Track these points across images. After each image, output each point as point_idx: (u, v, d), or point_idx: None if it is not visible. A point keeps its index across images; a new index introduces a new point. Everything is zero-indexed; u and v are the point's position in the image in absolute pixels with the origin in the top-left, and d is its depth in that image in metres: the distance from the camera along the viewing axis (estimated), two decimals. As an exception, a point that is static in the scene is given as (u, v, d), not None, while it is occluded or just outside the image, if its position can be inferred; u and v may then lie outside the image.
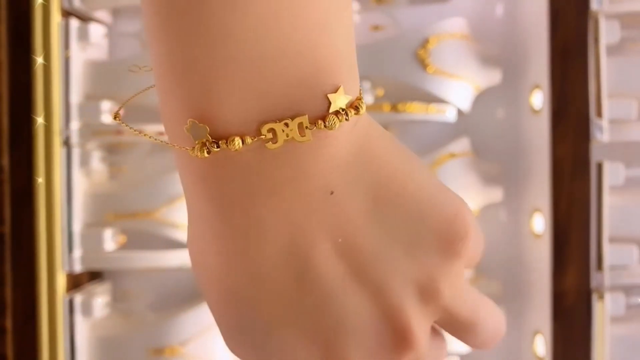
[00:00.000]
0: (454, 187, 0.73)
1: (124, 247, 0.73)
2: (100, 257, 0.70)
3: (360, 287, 0.16)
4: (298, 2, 0.14)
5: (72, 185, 0.68)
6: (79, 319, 0.69)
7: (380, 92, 0.72)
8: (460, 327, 0.19)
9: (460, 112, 0.75)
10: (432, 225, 0.17)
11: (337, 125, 0.15)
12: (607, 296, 0.69)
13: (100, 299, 0.71)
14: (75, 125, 0.68)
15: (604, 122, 0.69)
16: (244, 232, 0.16)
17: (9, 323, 0.67)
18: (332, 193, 0.16)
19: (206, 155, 0.15)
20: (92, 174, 0.74)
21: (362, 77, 0.72)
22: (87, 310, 0.69)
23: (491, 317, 0.19)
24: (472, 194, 0.75)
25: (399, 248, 0.17)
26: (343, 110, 0.15)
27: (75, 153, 0.69)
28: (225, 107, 0.14)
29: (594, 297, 0.69)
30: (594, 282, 0.69)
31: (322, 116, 0.15)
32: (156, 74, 0.15)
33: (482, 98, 0.78)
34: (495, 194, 0.76)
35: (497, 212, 0.81)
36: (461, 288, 0.18)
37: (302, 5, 0.14)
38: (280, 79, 0.14)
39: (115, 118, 0.18)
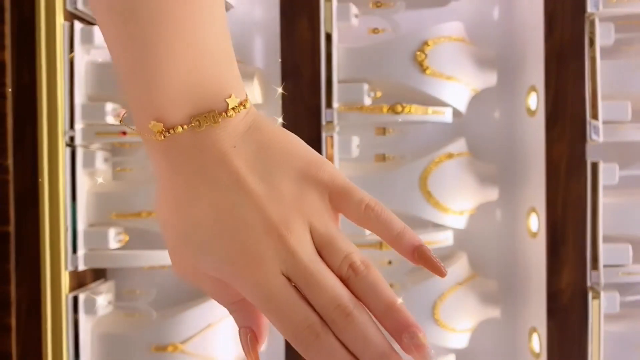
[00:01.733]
0: (451, 186, 0.74)
1: (127, 246, 0.74)
2: (103, 255, 0.71)
3: (247, 199, 0.27)
4: (205, 55, 0.27)
5: (76, 185, 0.69)
6: (82, 316, 0.70)
7: (379, 93, 0.74)
8: (322, 241, 0.28)
9: (457, 113, 0.76)
10: (297, 164, 0.28)
11: (234, 115, 0.28)
12: (602, 295, 0.70)
13: (103, 297, 0.72)
14: (79, 126, 0.69)
15: (599, 124, 0.70)
16: (185, 178, 0.28)
17: (13, 321, 0.68)
18: (235, 147, 0.28)
19: (163, 138, 0.27)
20: (96, 174, 0.75)
21: (361, 79, 0.73)
22: (90, 308, 0.70)
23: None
24: (468, 194, 0.76)
25: (275, 178, 0.28)
26: (236, 106, 0.28)
27: (79, 153, 0.70)
28: (171, 111, 0.27)
29: (590, 295, 0.70)
30: (589, 281, 0.71)
31: (225, 110, 0.28)
32: (127, 98, 0.28)
33: (479, 100, 0.79)
34: (492, 194, 0.77)
35: (494, 212, 0.82)
36: (321, 209, 0.28)
37: (208, 57, 0.27)
38: (200, 94, 0.27)
39: (120, 122, 0.31)
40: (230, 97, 0.28)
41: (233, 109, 0.28)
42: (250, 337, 0.29)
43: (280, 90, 0.71)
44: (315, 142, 0.70)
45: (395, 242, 0.29)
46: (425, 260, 0.28)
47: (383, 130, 0.76)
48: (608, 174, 0.71)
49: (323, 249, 0.27)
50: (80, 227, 0.70)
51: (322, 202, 0.28)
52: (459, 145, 0.76)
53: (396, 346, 0.27)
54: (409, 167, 0.74)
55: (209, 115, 0.27)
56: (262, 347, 0.29)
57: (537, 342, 0.74)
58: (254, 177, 0.28)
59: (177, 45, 0.26)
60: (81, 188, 0.70)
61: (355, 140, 0.74)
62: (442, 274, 0.28)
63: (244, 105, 0.28)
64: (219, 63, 0.27)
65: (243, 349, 0.29)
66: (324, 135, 0.71)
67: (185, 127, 0.27)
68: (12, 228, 0.67)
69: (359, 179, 0.74)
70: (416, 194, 0.73)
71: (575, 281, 0.71)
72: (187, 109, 0.27)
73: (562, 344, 0.71)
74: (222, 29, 0.28)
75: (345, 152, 0.72)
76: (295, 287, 0.27)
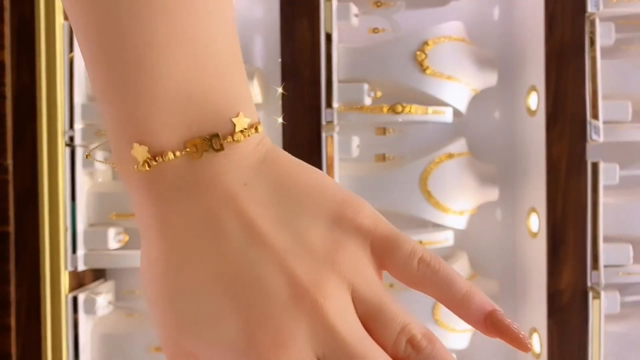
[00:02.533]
0: (452, 186, 0.74)
1: (126, 246, 0.74)
2: (103, 255, 0.71)
3: (266, 255, 0.21)
4: (209, 60, 0.21)
5: (76, 185, 0.69)
6: (82, 316, 0.70)
7: (379, 93, 0.74)
8: (369, 310, 0.21)
9: (457, 113, 0.76)
10: (328, 206, 0.22)
11: (242, 139, 0.21)
12: (603, 295, 0.70)
13: (103, 297, 0.72)
14: (78, 126, 0.69)
15: (600, 123, 0.70)
16: (179, 228, 0.21)
17: (12, 321, 0.67)
18: (246, 184, 0.21)
19: (147, 168, 0.21)
20: (96, 174, 0.75)
21: (361, 79, 0.73)
22: (90, 308, 0.70)
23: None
24: (469, 194, 0.76)
25: (301, 226, 0.21)
26: (246, 129, 0.22)
27: (79, 153, 0.70)
28: (159, 133, 0.21)
29: (590, 295, 0.70)
30: (589, 281, 0.70)
31: (231, 133, 0.21)
32: (103, 114, 0.21)
33: (479, 99, 0.79)
34: (492, 194, 0.77)
35: (494, 212, 0.82)
36: (363, 265, 0.22)
37: (212, 63, 0.21)
38: (199, 111, 0.21)
39: (87, 157, 0.25)
40: (238, 115, 0.21)
41: (242, 131, 0.21)
42: None
43: (280, 90, 0.71)
44: (315, 142, 0.70)
45: (460, 308, 0.22)
46: (502, 331, 0.21)
47: (383, 130, 0.76)
48: (608, 174, 0.71)
49: (370, 320, 0.21)
50: (80, 227, 0.70)
51: (363, 254, 0.22)
52: (459, 145, 0.76)
53: None
54: (409, 167, 0.74)
55: (211, 138, 0.21)
56: None
57: (538, 342, 0.74)
58: (274, 225, 0.21)
59: (174, 43, 0.20)
60: (81, 188, 0.70)
61: (356, 140, 0.74)
62: (526, 348, 0.21)
63: (256, 129, 0.22)
64: (224, 73, 0.21)
65: None
66: (323, 135, 0.71)
67: (178, 153, 0.21)
68: (11, 228, 0.67)
69: (359, 179, 0.74)
70: (416, 194, 0.73)
71: (575, 281, 0.71)
72: (181, 131, 0.21)
73: (562, 344, 0.71)
74: (230, 32, 0.21)
75: (345, 152, 0.72)
76: None
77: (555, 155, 0.71)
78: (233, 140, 0.21)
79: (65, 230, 0.68)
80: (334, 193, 0.22)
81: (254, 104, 0.23)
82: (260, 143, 0.22)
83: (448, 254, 0.80)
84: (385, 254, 0.22)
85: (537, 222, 0.74)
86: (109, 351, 0.73)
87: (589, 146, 0.71)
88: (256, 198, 0.21)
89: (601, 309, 0.69)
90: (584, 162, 0.70)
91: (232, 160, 0.21)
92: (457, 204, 0.75)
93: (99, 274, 0.78)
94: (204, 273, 0.21)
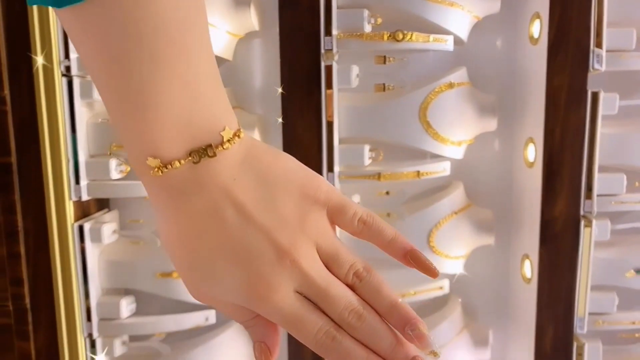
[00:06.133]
0: (451, 117, 0.74)
1: (128, 176, 0.75)
2: (106, 185, 0.72)
3: (257, 231, 0.29)
4: (200, 95, 0.28)
5: (75, 116, 0.69)
6: (89, 244, 0.72)
7: (379, 20, 0.72)
8: (328, 256, 0.31)
9: (458, 41, 0.74)
10: (295, 188, 0.30)
11: (229, 147, 0.29)
12: (594, 223, 0.71)
13: (108, 226, 0.74)
14: (74, 55, 0.68)
15: (603, 52, 0.69)
16: (189, 214, 0.29)
17: (22, 249, 0.70)
18: (235, 179, 0.29)
19: (160, 174, 0.28)
20: (94, 105, 0.75)
21: (361, 5, 0.71)
22: (96, 236, 0.72)
23: (348, 253, 0.31)
24: (467, 124, 0.76)
25: (278, 205, 0.30)
26: (231, 138, 0.29)
27: (76, 84, 0.69)
28: (167, 148, 0.28)
29: (582, 223, 0.72)
30: (582, 210, 0.72)
31: (221, 143, 0.29)
32: (120, 135, 0.28)
33: (481, 27, 0.77)
34: (491, 124, 0.77)
35: (492, 142, 0.82)
36: (323, 227, 0.31)
37: (202, 96, 0.28)
38: (196, 131, 0.28)
39: (110, 154, 0.34)
40: (224, 129, 0.29)
41: (228, 140, 0.29)
42: (264, 351, 0.32)
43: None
44: (314, 72, 0.70)
45: (389, 248, 0.32)
46: (418, 263, 0.32)
47: (383, 59, 0.75)
48: (608, 103, 0.71)
49: (330, 263, 0.31)
50: (81, 158, 0.71)
51: (322, 219, 0.31)
52: (459, 75, 0.75)
53: None
54: (408, 97, 0.74)
55: (206, 148, 0.28)
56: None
57: (529, 268, 0.77)
58: (258, 208, 0.29)
59: (172, 87, 0.27)
60: (80, 119, 0.70)
61: (355, 70, 0.73)
62: (434, 274, 0.31)
63: (238, 136, 0.29)
64: (211, 99, 0.28)
65: None
66: (322, 64, 0.70)
67: (182, 161, 0.28)
68: (14, 159, 0.68)
69: (358, 110, 0.74)
70: (416, 125, 0.73)
71: (568, 210, 0.72)
72: (184, 145, 0.28)
73: (552, 270, 0.73)
74: (212, 66, 0.29)
75: (344, 82, 0.72)
76: (308, 299, 0.30)
77: (556, 85, 0.70)
78: (222, 148, 0.29)
79: (67, 161, 0.69)
80: (298, 177, 0.31)
81: (234, 115, 0.30)
82: (241, 143, 0.30)
83: (444, 184, 0.81)
84: (336, 217, 0.32)
85: (534, 152, 0.75)
86: (116, 277, 0.76)
87: (590, 75, 0.70)
88: (244, 188, 0.29)
89: (592, 237, 0.71)
90: (585, 92, 0.70)
91: (223, 163, 0.29)
92: (456, 134, 0.75)
93: (103, 204, 0.80)
94: (213, 244, 0.29)
